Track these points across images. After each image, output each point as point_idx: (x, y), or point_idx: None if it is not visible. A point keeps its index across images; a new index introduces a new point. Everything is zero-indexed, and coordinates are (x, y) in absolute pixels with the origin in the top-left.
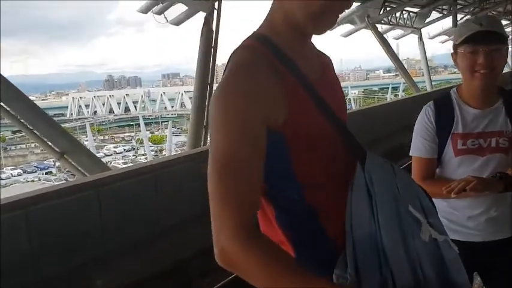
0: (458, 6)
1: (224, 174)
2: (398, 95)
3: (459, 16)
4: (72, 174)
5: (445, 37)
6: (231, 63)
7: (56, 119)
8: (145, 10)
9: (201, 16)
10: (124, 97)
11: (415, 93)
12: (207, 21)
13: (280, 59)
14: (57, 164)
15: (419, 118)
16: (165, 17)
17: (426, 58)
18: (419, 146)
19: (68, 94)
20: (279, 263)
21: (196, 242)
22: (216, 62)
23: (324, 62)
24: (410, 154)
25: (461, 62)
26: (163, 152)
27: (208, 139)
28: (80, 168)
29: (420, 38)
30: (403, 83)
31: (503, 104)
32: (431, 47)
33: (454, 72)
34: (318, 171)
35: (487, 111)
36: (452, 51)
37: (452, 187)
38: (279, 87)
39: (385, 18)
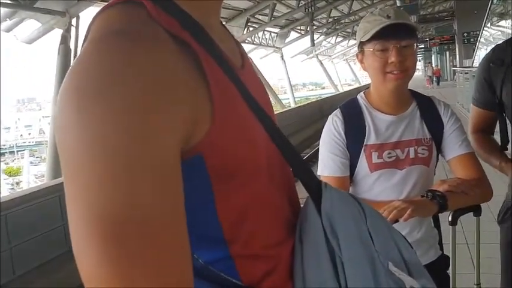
0: (314, 27)
1: (122, 249)
2: None
3: (315, 36)
4: None
5: (304, 56)
6: (95, 31)
7: None
8: None
9: (58, 33)
10: None
11: (282, 109)
12: (64, 39)
13: (191, 30)
14: None
15: (326, 130)
16: (14, 35)
17: (289, 76)
18: (329, 163)
19: None
20: None
21: None
22: None
23: (239, 45)
24: (319, 173)
25: (371, 62)
26: (21, 185)
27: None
28: None
29: (282, 57)
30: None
31: (418, 108)
32: (292, 66)
33: (312, 89)
34: (253, 213)
35: (401, 116)
36: (358, 50)
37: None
38: (195, 74)
39: (249, 38)
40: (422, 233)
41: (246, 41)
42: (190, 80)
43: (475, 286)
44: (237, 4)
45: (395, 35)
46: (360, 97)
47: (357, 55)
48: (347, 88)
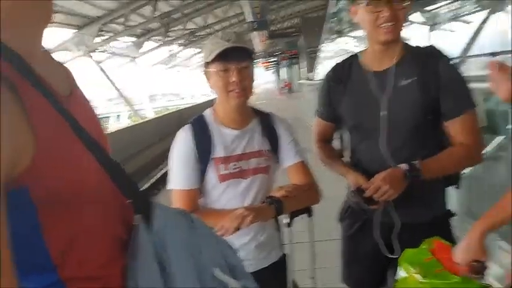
0: (170, 38)
1: None
2: (121, 123)
3: (172, 47)
4: None
5: (162, 66)
6: None
7: None
8: None
9: None
10: None
11: (140, 120)
12: None
13: (9, 60)
14: None
15: (177, 144)
16: None
17: (146, 86)
18: (179, 176)
19: None
20: None
21: None
22: None
23: (67, 72)
24: (170, 187)
25: (215, 81)
26: None
27: None
28: None
29: (138, 67)
30: (128, 111)
31: (259, 123)
32: (149, 76)
33: (171, 100)
34: (83, 237)
35: (244, 131)
36: (204, 69)
37: (226, 226)
38: (14, 105)
39: (102, 47)
40: (265, 236)
41: (99, 50)
42: (11, 111)
43: (310, 279)
44: (88, 12)
45: (235, 57)
46: (208, 113)
47: (204, 73)
48: (205, 99)
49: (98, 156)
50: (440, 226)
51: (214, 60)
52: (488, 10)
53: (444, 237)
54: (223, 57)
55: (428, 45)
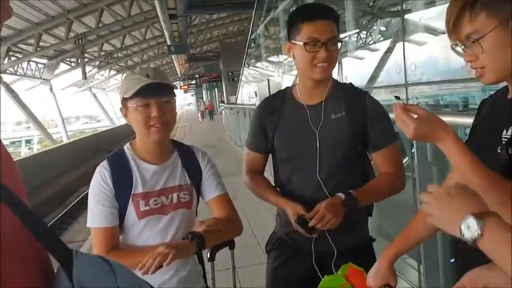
0: (86, 60)
1: None
2: (33, 148)
3: (87, 69)
4: None
5: (76, 88)
6: None
7: None
8: None
9: None
10: None
11: (53, 145)
12: None
13: None
14: None
15: (94, 182)
16: None
17: (59, 109)
18: (98, 214)
19: None
20: None
21: None
22: None
23: None
24: (88, 225)
25: (134, 116)
26: None
27: None
28: None
29: (51, 89)
30: (38, 135)
31: (179, 157)
32: (63, 98)
33: (87, 123)
34: None
35: (164, 165)
36: (121, 105)
37: (148, 266)
38: None
39: (11, 68)
40: (187, 271)
41: (8, 72)
42: None
43: None
44: None
45: (155, 93)
46: (127, 148)
47: (120, 109)
48: (124, 121)
49: (14, 207)
50: (366, 251)
51: (133, 96)
52: (390, 40)
53: (370, 262)
54: (143, 92)
55: (347, 82)
